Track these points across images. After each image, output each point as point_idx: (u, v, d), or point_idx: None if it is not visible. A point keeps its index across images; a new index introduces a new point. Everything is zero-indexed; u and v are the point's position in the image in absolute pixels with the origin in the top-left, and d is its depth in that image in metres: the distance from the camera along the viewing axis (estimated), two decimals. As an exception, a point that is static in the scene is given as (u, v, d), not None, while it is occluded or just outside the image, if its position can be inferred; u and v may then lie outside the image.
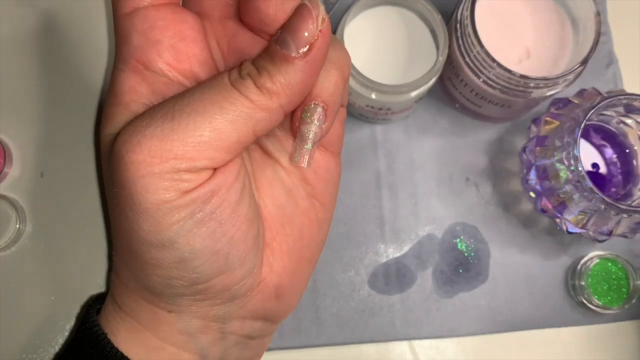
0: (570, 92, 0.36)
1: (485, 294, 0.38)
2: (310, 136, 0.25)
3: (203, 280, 0.24)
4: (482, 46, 0.32)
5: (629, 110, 0.36)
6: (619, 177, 0.37)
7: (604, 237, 0.35)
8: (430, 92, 0.36)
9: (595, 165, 0.38)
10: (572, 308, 0.38)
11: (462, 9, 0.34)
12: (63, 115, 0.38)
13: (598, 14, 0.33)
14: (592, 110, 0.33)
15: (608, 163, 0.38)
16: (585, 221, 0.34)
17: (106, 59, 0.39)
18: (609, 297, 0.37)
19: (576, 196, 0.33)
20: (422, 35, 0.36)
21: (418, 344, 0.37)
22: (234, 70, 0.23)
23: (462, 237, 0.39)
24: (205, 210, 0.23)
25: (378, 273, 0.38)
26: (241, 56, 0.26)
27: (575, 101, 0.35)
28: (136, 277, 0.26)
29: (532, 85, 0.33)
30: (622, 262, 0.37)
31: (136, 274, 0.25)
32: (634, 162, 0.37)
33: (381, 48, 0.36)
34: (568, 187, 0.33)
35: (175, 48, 0.25)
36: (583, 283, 0.37)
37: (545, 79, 0.33)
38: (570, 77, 0.33)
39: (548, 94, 0.34)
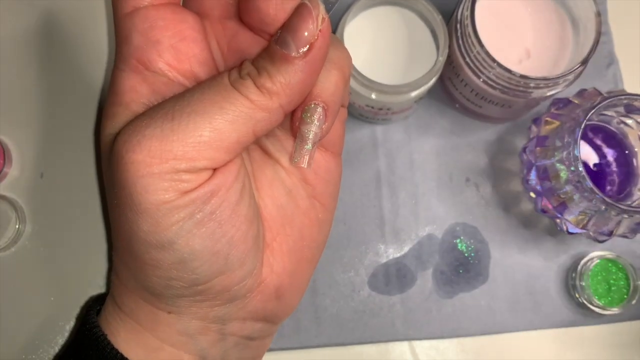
0: (570, 92, 0.36)
1: (485, 295, 0.38)
2: (311, 136, 0.24)
3: (203, 281, 0.24)
4: (482, 46, 0.32)
5: (630, 110, 0.35)
6: (620, 177, 0.37)
7: (604, 238, 0.35)
8: (431, 92, 0.36)
9: (596, 165, 0.37)
10: (572, 308, 0.38)
11: (462, 9, 0.33)
12: (63, 116, 0.38)
13: (598, 14, 0.33)
14: (593, 111, 0.33)
15: (608, 163, 0.38)
16: (585, 221, 0.34)
17: (106, 59, 0.39)
18: (610, 298, 0.37)
19: (576, 196, 0.33)
20: (422, 35, 0.36)
21: (418, 344, 0.37)
22: (233, 71, 0.23)
23: (462, 238, 0.39)
24: (205, 210, 0.23)
25: (378, 273, 0.38)
26: (241, 56, 0.26)
27: (576, 101, 0.35)
28: (136, 278, 0.26)
29: (532, 85, 0.33)
30: (622, 262, 0.37)
31: (136, 274, 0.25)
32: (634, 162, 0.37)
33: (381, 48, 0.36)
34: (568, 188, 0.33)
35: (175, 48, 0.25)
36: (583, 283, 0.37)
37: (545, 79, 0.33)
38: (571, 77, 0.33)
39: (548, 94, 0.34)
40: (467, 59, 0.34)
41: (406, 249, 0.38)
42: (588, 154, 0.37)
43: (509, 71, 0.32)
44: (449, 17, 0.37)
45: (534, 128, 0.37)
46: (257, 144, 0.27)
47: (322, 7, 0.22)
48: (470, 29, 0.33)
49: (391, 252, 0.38)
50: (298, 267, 0.27)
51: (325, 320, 0.37)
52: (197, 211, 0.23)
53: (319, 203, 0.28)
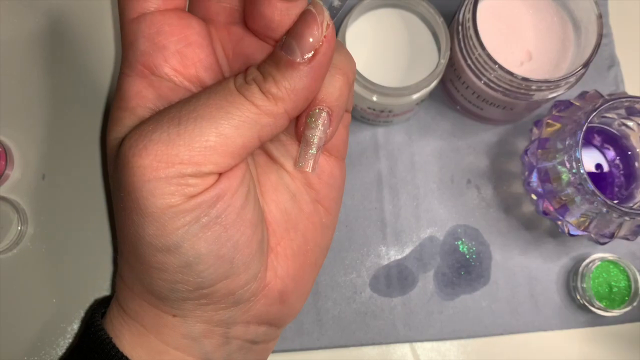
0: (572, 95, 0.36)
1: (486, 296, 0.38)
2: (315, 141, 0.25)
3: (207, 285, 0.24)
4: (483, 48, 0.32)
5: (631, 112, 0.36)
6: (621, 179, 0.37)
7: (605, 240, 0.35)
8: (432, 94, 0.36)
9: (597, 167, 0.38)
10: (573, 310, 0.38)
11: (464, 11, 0.34)
12: (64, 118, 0.38)
13: (600, 16, 0.33)
14: (594, 113, 0.33)
15: (610, 165, 0.38)
16: (587, 224, 0.34)
17: (113, 62, 0.39)
18: (611, 300, 0.37)
19: (578, 199, 0.33)
20: (423, 37, 0.36)
21: (420, 346, 0.37)
22: (239, 76, 0.23)
23: (463, 240, 0.39)
24: (211, 214, 0.23)
25: (379, 275, 0.38)
26: (246, 61, 0.26)
27: (577, 103, 0.35)
28: (141, 281, 0.26)
29: (533, 87, 0.33)
30: (623, 264, 0.37)
31: (141, 277, 0.25)
32: (636, 164, 0.37)
33: (383, 50, 0.36)
34: (570, 190, 0.33)
35: (181, 53, 0.25)
36: (585, 285, 0.37)
37: (546, 81, 0.33)
38: (572, 79, 0.33)
39: (550, 96, 0.34)
40: (469, 61, 0.34)
41: (407, 251, 0.38)
42: (589, 156, 0.38)
43: (511, 73, 0.32)
44: (450, 19, 0.37)
45: (535, 130, 0.37)
46: (262, 149, 0.27)
47: (326, 13, 0.22)
48: (471, 31, 0.33)
49: (392, 254, 0.38)
50: (302, 271, 0.28)
51: (327, 322, 0.37)
52: (202, 215, 0.23)
53: (322, 207, 0.28)
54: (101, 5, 0.39)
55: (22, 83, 0.38)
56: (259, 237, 0.25)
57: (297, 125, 0.25)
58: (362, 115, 0.37)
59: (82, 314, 0.36)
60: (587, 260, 0.37)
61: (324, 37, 0.22)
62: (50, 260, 0.36)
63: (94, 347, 0.27)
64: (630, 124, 0.37)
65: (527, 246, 0.39)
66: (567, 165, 0.33)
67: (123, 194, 0.23)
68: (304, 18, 0.23)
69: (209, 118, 0.22)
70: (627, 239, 0.34)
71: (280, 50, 0.22)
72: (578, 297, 0.37)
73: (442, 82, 0.39)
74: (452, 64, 0.36)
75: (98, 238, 0.37)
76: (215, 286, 0.24)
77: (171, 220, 0.22)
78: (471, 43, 0.33)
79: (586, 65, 0.33)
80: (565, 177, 0.33)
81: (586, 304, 0.37)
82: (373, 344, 0.37)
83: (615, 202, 0.32)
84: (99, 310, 0.29)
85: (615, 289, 0.37)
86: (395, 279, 0.38)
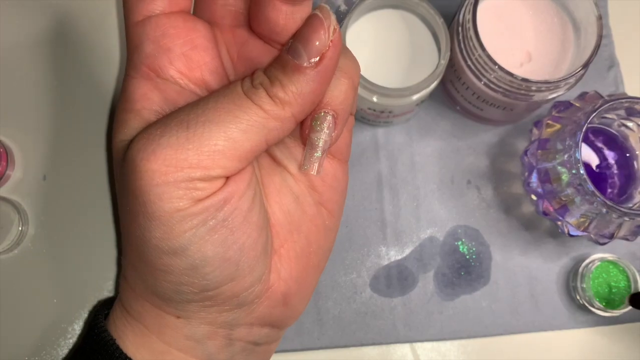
0: (571, 95, 0.36)
1: (486, 297, 0.38)
2: (320, 144, 0.25)
3: (213, 287, 0.24)
4: (483, 49, 0.33)
5: (630, 113, 0.36)
6: (621, 180, 0.37)
7: (605, 240, 0.35)
8: (432, 95, 0.36)
9: (597, 167, 0.38)
10: (573, 311, 0.38)
11: (464, 12, 0.34)
12: (65, 118, 0.38)
13: (600, 17, 0.33)
14: (594, 114, 0.33)
15: (609, 166, 0.38)
16: (586, 224, 0.34)
17: (118, 64, 0.39)
18: (611, 300, 0.37)
19: (578, 199, 0.33)
20: (423, 38, 0.36)
21: (420, 346, 0.37)
22: (246, 80, 0.23)
23: (463, 240, 0.39)
24: (218, 217, 0.23)
25: (380, 275, 0.38)
26: (251, 64, 0.26)
27: (577, 104, 0.35)
28: (145, 283, 0.26)
29: (533, 88, 0.33)
30: (623, 264, 0.37)
31: (146, 279, 0.25)
32: (635, 164, 0.37)
33: (383, 51, 0.36)
34: (569, 190, 0.33)
35: (186, 56, 0.25)
36: (584, 285, 0.37)
37: (546, 82, 0.33)
38: (572, 80, 0.33)
39: (549, 97, 0.34)
40: (469, 62, 0.34)
41: (408, 251, 0.38)
42: (589, 157, 0.38)
43: (511, 74, 0.33)
44: (450, 20, 0.37)
45: (535, 131, 0.37)
46: (266, 152, 0.27)
47: (333, 18, 0.23)
48: (471, 32, 0.33)
49: (393, 255, 0.38)
50: (305, 273, 0.28)
51: (327, 322, 0.37)
52: (210, 218, 0.23)
53: (325, 210, 0.28)
54: (106, 6, 0.39)
55: (24, 84, 0.38)
56: (264, 239, 0.25)
57: (302, 128, 0.25)
58: (362, 115, 0.37)
59: (82, 314, 0.36)
60: (587, 261, 0.37)
61: (331, 41, 0.22)
62: (50, 260, 0.36)
63: (97, 348, 0.27)
64: (630, 124, 0.37)
65: (527, 246, 0.39)
66: (567, 165, 0.33)
67: (130, 197, 0.23)
68: (310, 22, 0.23)
69: (217, 122, 0.22)
70: (627, 240, 0.34)
71: (286, 54, 0.22)
72: (578, 297, 0.37)
73: (442, 83, 0.39)
74: (452, 64, 0.36)
75: (98, 238, 0.37)
76: (220, 288, 0.24)
77: (178, 224, 0.22)
78: (471, 44, 0.33)
79: (586, 66, 0.33)
80: (565, 177, 0.33)
81: (586, 304, 0.37)
82: (373, 344, 0.37)
83: (615, 202, 0.32)
84: (102, 312, 0.29)
85: (615, 289, 0.37)
86: (396, 279, 0.38)
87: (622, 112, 0.36)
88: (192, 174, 0.22)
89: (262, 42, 0.26)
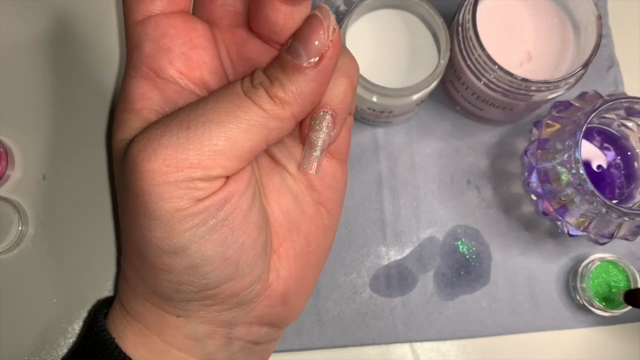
0: (571, 95, 0.36)
1: (486, 297, 0.38)
2: (319, 143, 0.25)
3: (213, 286, 0.24)
4: (483, 49, 0.33)
5: (630, 113, 0.36)
6: (620, 179, 0.37)
7: (605, 240, 0.35)
8: (432, 95, 0.36)
9: (597, 167, 0.38)
10: (573, 310, 0.38)
11: (464, 12, 0.34)
12: (65, 118, 0.38)
13: (599, 17, 0.33)
14: (594, 114, 0.33)
15: (609, 166, 0.38)
16: (586, 224, 0.34)
17: (117, 64, 0.39)
18: (610, 300, 0.37)
19: (577, 199, 0.33)
20: (423, 38, 0.36)
21: (419, 346, 0.37)
22: (246, 79, 0.24)
23: (463, 240, 0.39)
24: (218, 217, 0.23)
25: (379, 275, 0.38)
26: (250, 64, 0.26)
27: (577, 104, 0.35)
28: (145, 282, 0.26)
29: (533, 88, 0.33)
30: (623, 264, 0.37)
31: (146, 278, 0.25)
32: (635, 164, 0.37)
33: (383, 51, 0.36)
34: (569, 190, 0.33)
35: (186, 56, 0.25)
36: (584, 285, 0.37)
37: (546, 82, 0.33)
38: (572, 80, 0.33)
39: (549, 97, 0.34)
40: (469, 62, 0.34)
41: (407, 251, 0.38)
42: (589, 157, 0.38)
43: (510, 74, 0.33)
44: (450, 20, 0.37)
45: (535, 131, 0.37)
46: (265, 151, 0.27)
47: (332, 18, 0.23)
48: (471, 32, 0.33)
49: (392, 255, 0.38)
50: (304, 273, 0.28)
51: (327, 322, 0.37)
52: (210, 218, 0.23)
53: (324, 209, 0.28)
54: (106, 6, 0.39)
55: (24, 84, 0.38)
56: (263, 239, 0.25)
57: (302, 127, 0.25)
58: (362, 115, 0.37)
59: (82, 314, 0.36)
60: (587, 261, 0.37)
61: (330, 41, 0.22)
62: (50, 260, 0.36)
63: (97, 347, 0.27)
64: (629, 124, 0.37)
65: (526, 246, 0.39)
66: (567, 165, 0.33)
67: (130, 197, 0.23)
68: (310, 22, 0.23)
69: (217, 122, 0.22)
70: (627, 239, 0.34)
71: (286, 54, 0.23)
72: (578, 297, 0.37)
73: (442, 83, 0.39)
74: (452, 64, 0.36)
75: (98, 238, 0.37)
76: (220, 287, 0.25)
77: (179, 223, 0.22)
78: (471, 44, 0.33)
79: (586, 66, 0.33)
80: (564, 177, 0.34)
81: (586, 304, 0.37)
82: (373, 344, 0.37)
83: (615, 202, 0.32)
84: (101, 311, 0.29)
85: (614, 289, 0.37)
86: (395, 279, 0.38)
87: (621, 112, 0.36)
88: (193, 174, 0.22)
89: (261, 42, 0.26)
